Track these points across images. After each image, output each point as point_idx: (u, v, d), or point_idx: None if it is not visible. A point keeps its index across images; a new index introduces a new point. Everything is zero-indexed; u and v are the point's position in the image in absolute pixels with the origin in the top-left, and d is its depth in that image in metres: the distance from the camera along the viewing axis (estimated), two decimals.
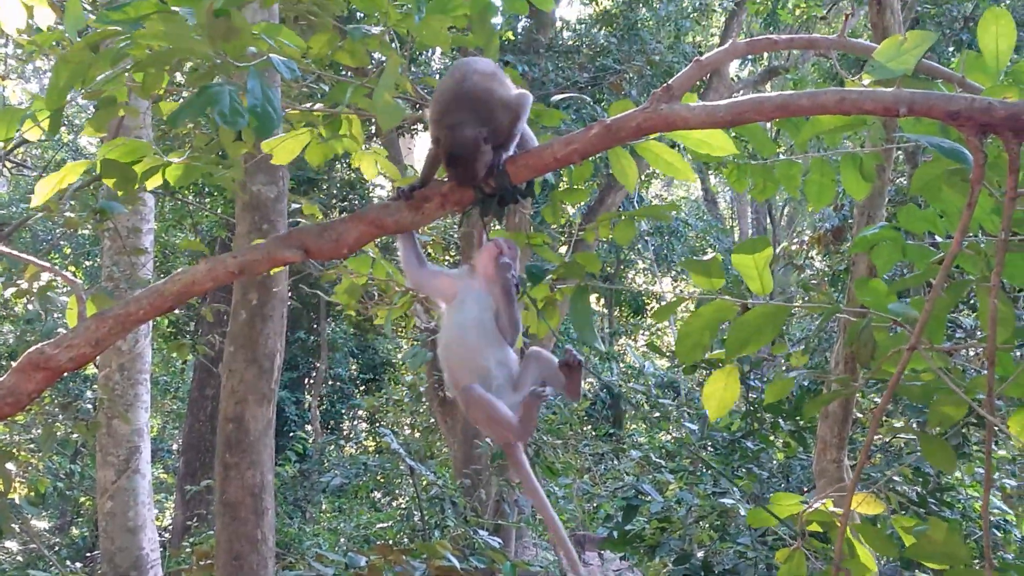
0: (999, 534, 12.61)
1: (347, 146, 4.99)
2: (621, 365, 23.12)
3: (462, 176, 3.76)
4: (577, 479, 17.96)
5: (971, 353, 11.76)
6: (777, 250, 31.34)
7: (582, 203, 23.63)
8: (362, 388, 30.53)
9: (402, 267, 4.20)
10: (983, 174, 3.18)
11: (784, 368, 13.12)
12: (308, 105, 5.03)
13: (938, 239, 4.20)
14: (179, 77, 4.75)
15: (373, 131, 18.78)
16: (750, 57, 25.34)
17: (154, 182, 4.59)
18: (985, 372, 3.51)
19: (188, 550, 14.15)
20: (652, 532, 11.20)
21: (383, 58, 4.39)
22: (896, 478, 11.83)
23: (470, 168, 3.73)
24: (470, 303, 4.11)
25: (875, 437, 13.27)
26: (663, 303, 4.42)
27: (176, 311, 22.75)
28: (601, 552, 18.76)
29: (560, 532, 4.35)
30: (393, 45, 4.56)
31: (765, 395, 4.47)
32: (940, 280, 3.41)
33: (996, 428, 3.51)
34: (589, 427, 23.61)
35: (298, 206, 7.86)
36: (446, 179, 3.87)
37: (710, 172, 31.44)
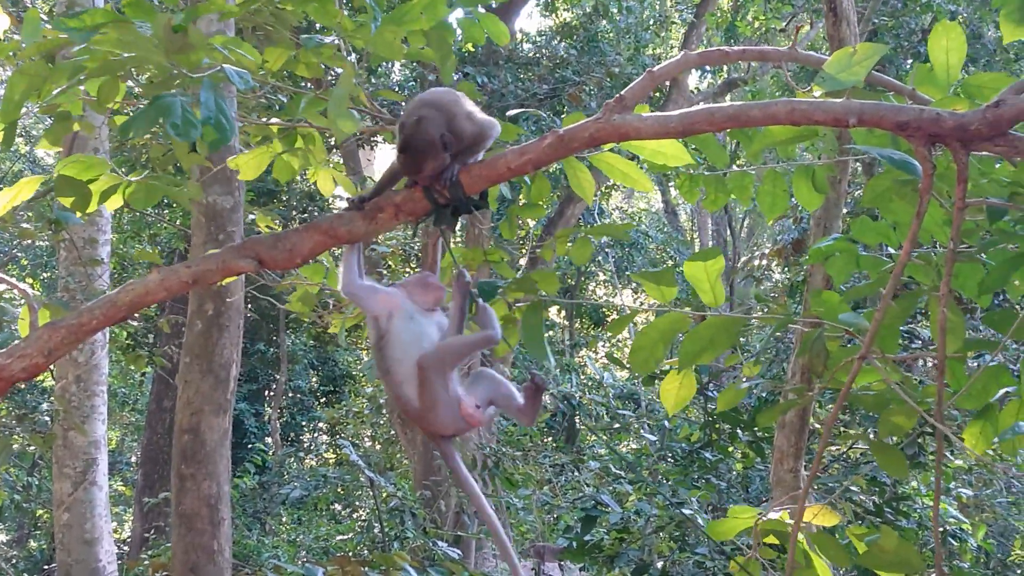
0: (955, 543, 12.70)
1: (305, 160, 4.98)
2: (581, 377, 23.15)
3: (408, 166, 3.74)
4: (537, 490, 17.95)
5: (929, 364, 11.84)
6: (738, 263, 31.50)
7: (540, 217, 23.68)
8: (322, 400, 30.46)
9: (340, 275, 4.15)
10: (932, 184, 3.21)
11: (743, 379, 13.17)
12: (264, 119, 5.02)
13: (891, 251, 4.24)
14: (137, 90, 4.74)
15: (333, 143, 18.76)
16: (709, 70, 25.45)
17: (114, 203, 4.56)
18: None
19: (145, 562, 14.09)
20: (611, 542, 11.22)
21: (340, 71, 4.39)
22: (853, 488, 11.91)
23: (419, 161, 3.71)
24: (417, 316, 4.07)
25: (832, 448, 13.37)
26: (622, 315, 4.45)
27: (134, 323, 22.66)
28: (560, 563, 18.76)
29: (499, 533, 4.33)
30: (351, 58, 4.56)
31: (717, 404, 4.50)
32: (890, 289, 3.43)
33: (950, 438, 3.54)
34: (550, 439, 23.60)
35: (255, 217, 7.85)
36: (401, 190, 3.87)
37: (670, 184, 31.56)
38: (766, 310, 4.66)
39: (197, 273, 3.70)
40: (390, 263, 22.58)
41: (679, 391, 4.11)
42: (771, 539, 4.16)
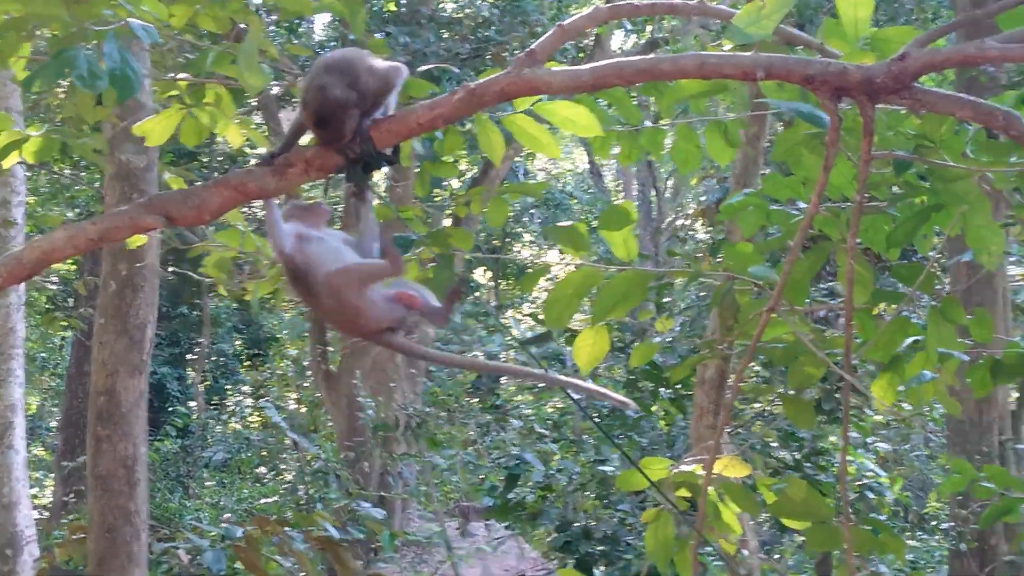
0: (872, 496, 12.87)
1: (213, 115, 4.92)
2: (506, 338, 23.20)
3: (329, 137, 3.73)
4: (461, 451, 18.01)
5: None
6: (663, 224, 31.61)
7: (467, 177, 23.63)
8: (246, 363, 30.34)
9: (274, 238, 4.12)
10: (838, 137, 3.24)
11: (669, 338, 13.26)
12: (172, 76, 4.95)
13: (802, 205, 4.28)
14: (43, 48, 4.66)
15: (255, 104, 18.60)
16: (631, 29, 25.42)
17: (11, 160, 4.50)
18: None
19: (65, 525, 13.98)
20: (534, 501, 11.30)
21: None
22: (773, 444, 12.05)
23: (337, 129, 3.70)
24: (323, 235, 4.07)
25: (756, 405, 13.51)
26: (534, 271, 4.46)
27: (52, 286, 22.41)
28: (486, 522, 18.83)
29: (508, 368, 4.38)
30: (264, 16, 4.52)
31: (631, 359, 4.53)
32: (797, 242, 3.47)
33: (858, 387, 3.59)
34: (476, 400, 23.66)
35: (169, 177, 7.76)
36: (311, 145, 3.84)
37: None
38: (684, 265, 4.69)
39: (104, 230, 3.66)
40: None
41: (592, 348, 4.12)
42: (684, 492, 4.20)
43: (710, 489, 4.04)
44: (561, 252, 4.39)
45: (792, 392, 4.29)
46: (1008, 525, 13.84)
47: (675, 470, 4.11)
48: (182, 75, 4.87)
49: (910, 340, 4.21)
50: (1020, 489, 5.19)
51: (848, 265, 3.45)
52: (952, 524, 14.82)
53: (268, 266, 5.98)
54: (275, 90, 15.14)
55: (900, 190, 3.91)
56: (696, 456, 4.17)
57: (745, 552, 9.12)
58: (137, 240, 6.51)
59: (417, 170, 5.21)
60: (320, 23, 22.51)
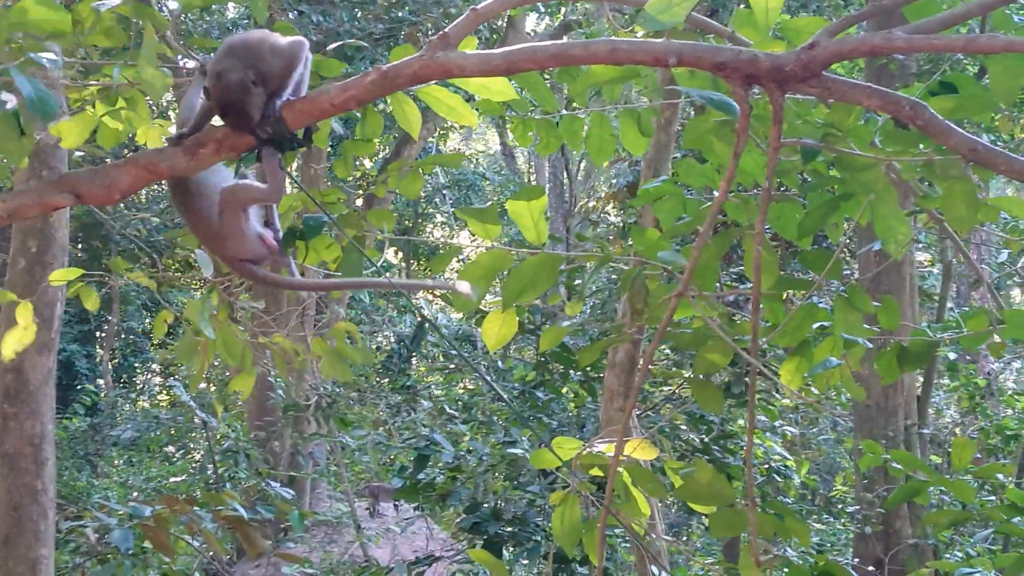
0: (780, 480, 13.01)
1: (129, 119, 4.86)
2: (417, 318, 23.16)
3: (237, 123, 3.71)
4: (372, 431, 17.99)
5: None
6: (575, 206, 31.67)
7: (377, 157, 23.52)
8: (155, 342, 30.06)
9: None
10: (748, 124, 3.26)
11: (579, 320, 13.31)
12: (81, 82, 4.87)
13: (716, 193, 4.31)
14: None
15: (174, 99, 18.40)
16: (545, 11, 25.44)
17: None
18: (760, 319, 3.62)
19: None
20: (444, 481, 11.30)
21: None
22: (683, 428, 12.14)
23: (243, 113, 3.68)
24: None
25: (665, 389, 13.60)
26: (444, 252, 4.46)
27: None
28: (395, 503, 18.81)
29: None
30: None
31: (539, 343, 4.54)
32: (706, 228, 3.49)
33: (765, 372, 3.62)
34: (386, 380, 23.63)
35: (81, 153, 7.67)
36: (223, 125, 3.81)
37: (507, 126, 31.63)
38: (594, 249, 4.70)
39: (12, 207, 3.60)
40: None
41: (500, 328, 4.13)
42: (596, 472, 4.21)
43: (620, 471, 4.06)
44: (472, 233, 4.38)
45: (700, 377, 4.32)
46: (912, 509, 14.10)
47: (585, 451, 4.12)
48: (91, 82, 4.79)
49: (817, 326, 4.27)
50: (926, 472, 5.27)
51: (756, 251, 3.48)
52: (858, 507, 15.05)
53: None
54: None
55: (809, 178, 3.95)
56: (606, 438, 4.18)
57: (653, 535, 9.19)
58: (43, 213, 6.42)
59: (330, 151, 5.20)
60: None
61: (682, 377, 12.88)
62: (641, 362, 9.81)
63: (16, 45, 3.65)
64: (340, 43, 5.24)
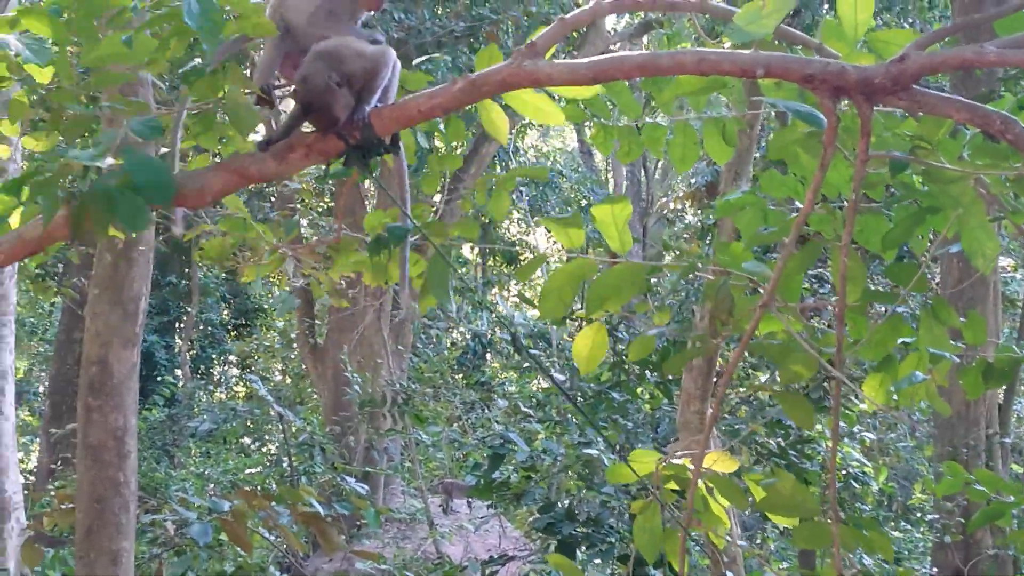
0: (857, 486, 12.91)
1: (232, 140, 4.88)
2: (492, 315, 23.20)
3: (323, 123, 3.77)
4: (446, 428, 18.04)
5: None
6: (652, 205, 31.61)
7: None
8: (233, 334, 30.34)
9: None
10: (835, 136, 3.26)
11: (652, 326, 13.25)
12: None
13: (799, 205, 4.28)
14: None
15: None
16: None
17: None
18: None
19: (52, 493, 13.96)
20: (518, 480, 11.31)
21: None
22: (760, 432, 12.07)
23: (328, 113, 3.74)
24: None
25: (741, 391, 13.53)
26: (531, 260, 4.47)
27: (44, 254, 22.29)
28: (469, 500, 18.87)
29: None
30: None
31: (628, 353, 4.53)
32: (792, 239, 3.48)
33: (848, 385, 3.60)
34: (460, 376, 23.68)
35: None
36: (312, 131, 3.86)
37: (586, 124, 31.55)
38: (675, 255, 4.68)
39: None
40: (303, 198, 22.39)
41: (591, 348, 4.12)
42: (672, 484, 4.21)
43: (699, 482, 4.06)
44: (548, 232, 4.37)
45: (788, 389, 4.30)
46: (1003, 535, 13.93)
47: (664, 463, 4.12)
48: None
49: (902, 341, 4.23)
50: (1009, 492, 5.22)
51: (842, 263, 3.47)
52: (936, 516, 14.89)
53: (268, 252, 5.96)
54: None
55: (896, 191, 3.92)
56: (683, 443, 4.17)
57: (728, 539, 9.15)
58: None
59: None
60: None
61: (757, 382, 12.81)
62: (721, 367, 9.78)
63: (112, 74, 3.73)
64: (424, 59, 5.27)
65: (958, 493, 13.32)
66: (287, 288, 22.15)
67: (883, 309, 4.31)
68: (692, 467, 3.85)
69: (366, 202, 19.76)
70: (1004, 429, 14.93)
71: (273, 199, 20.93)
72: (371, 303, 18.55)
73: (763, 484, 3.81)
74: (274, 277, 24.05)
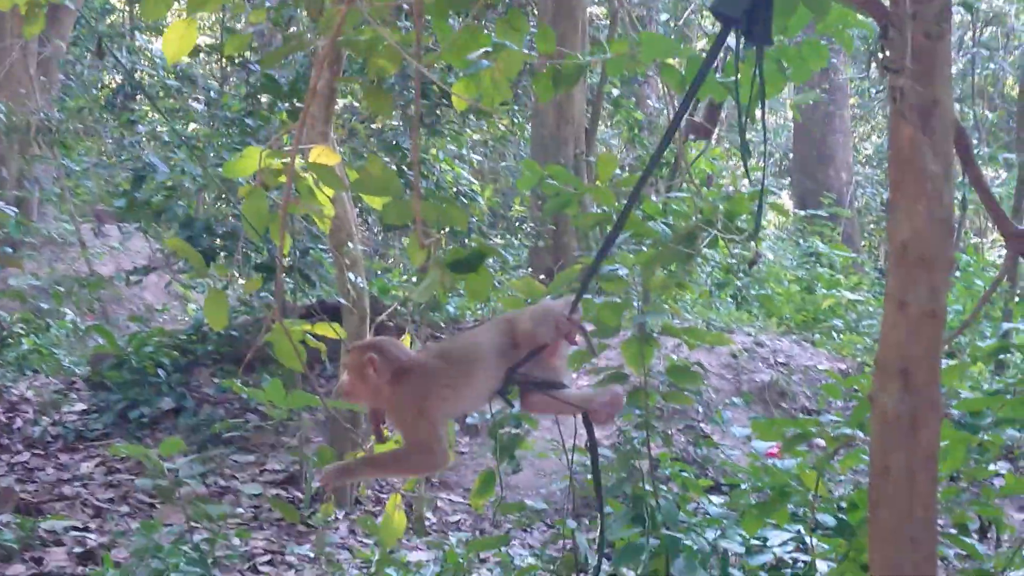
0: (467, 201, 13.23)
1: None
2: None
3: None
4: (95, 158, 17.51)
5: None
6: None
7: None
8: None
9: None
10: None
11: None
12: None
13: None
14: None
15: None
16: None
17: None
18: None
19: None
20: (160, 200, 11.15)
21: None
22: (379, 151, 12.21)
23: None
24: None
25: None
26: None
27: None
28: (120, 225, 18.44)
29: None
30: None
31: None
32: None
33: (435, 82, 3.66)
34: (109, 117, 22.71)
35: None
36: None
37: None
38: None
39: None
40: None
41: (180, 41, 3.99)
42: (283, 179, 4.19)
43: (306, 175, 4.07)
44: None
45: (372, 82, 4.30)
46: (577, 228, 14.75)
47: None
48: None
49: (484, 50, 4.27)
50: (576, 184, 5.44)
51: None
52: (532, 225, 15.60)
53: None
54: None
55: None
56: (297, 147, 4.15)
57: (351, 244, 9.28)
58: None
59: None
60: None
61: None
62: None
63: None
64: None
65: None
66: None
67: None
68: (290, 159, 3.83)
69: None
70: (589, 149, 15.71)
71: None
72: (17, 40, 17.49)
73: (356, 167, 3.86)
74: None
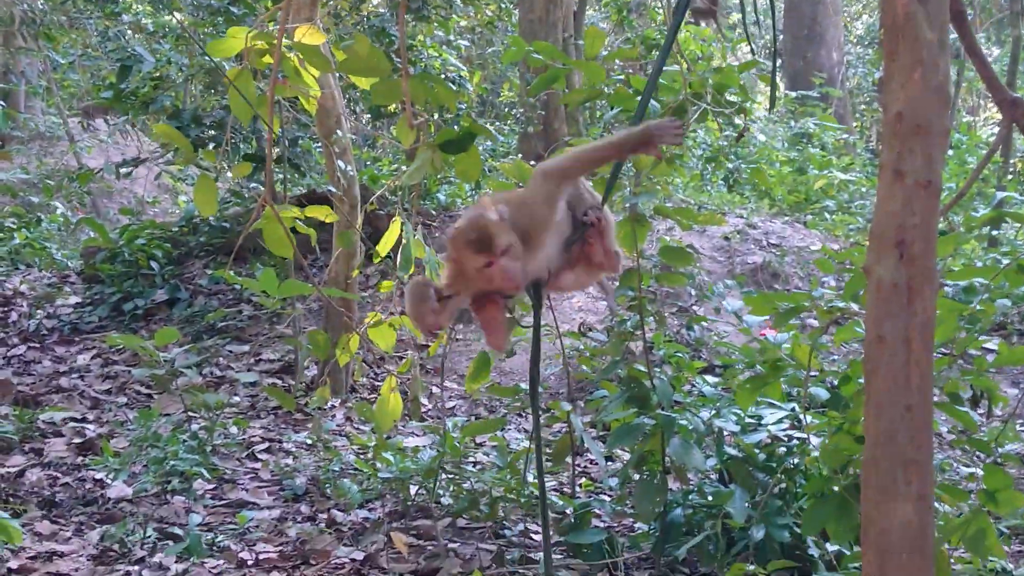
0: (456, 87, 13.14)
1: None
2: None
3: None
4: (82, 50, 17.27)
5: None
6: None
7: None
8: None
9: None
10: None
11: None
12: None
13: None
14: None
15: None
16: None
17: None
18: None
19: None
20: (147, 91, 11.03)
21: None
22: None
23: None
24: None
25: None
26: None
27: None
28: (107, 119, 18.27)
29: None
30: None
31: None
32: None
33: None
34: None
35: None
36: None
37: None
38: None
39: None
40: None
41: None
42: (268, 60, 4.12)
43: (291, 55, 4.01)
44: None
45: None
46: (568, 113, 14.63)
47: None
48: None
49: None
50: (564, 60, 5.35)
51: None
52: (522, 110, 15.46)
53: None
54: None
55: None
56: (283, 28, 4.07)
57: (339, 132, 9.22)
58: None
59: None
60: None
61: None
62: None
63: None
64: None
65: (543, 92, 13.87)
66: None
67: None
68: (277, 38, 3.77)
69: None
70: (578, 33, 15.51)
71: None
72: None
73: (343, 47, 3.79)
74: None
